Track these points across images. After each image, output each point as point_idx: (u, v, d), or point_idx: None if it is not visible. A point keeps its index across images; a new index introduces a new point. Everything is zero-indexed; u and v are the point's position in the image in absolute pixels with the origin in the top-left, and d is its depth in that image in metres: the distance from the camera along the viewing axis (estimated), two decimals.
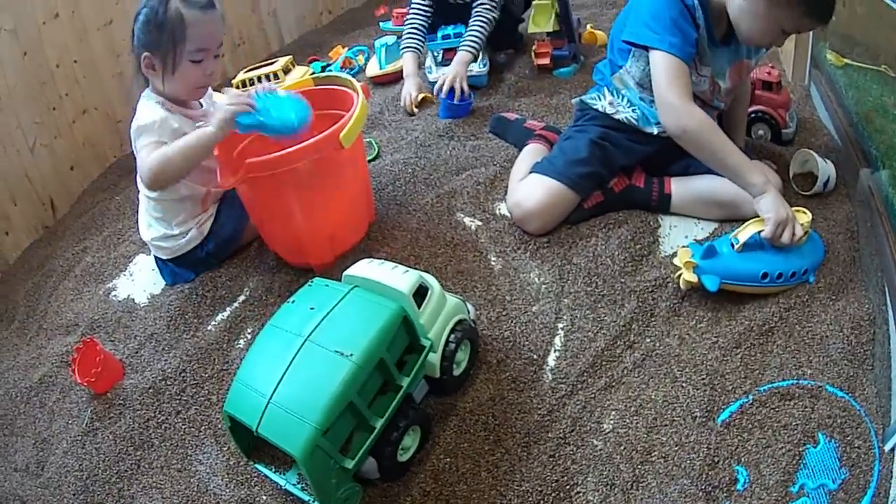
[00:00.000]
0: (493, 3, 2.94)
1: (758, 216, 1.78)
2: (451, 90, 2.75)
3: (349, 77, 2.19)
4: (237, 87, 3.20)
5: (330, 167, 1.94)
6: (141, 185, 2.06)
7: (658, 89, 1.82)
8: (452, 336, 1.58)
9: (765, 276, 1.71)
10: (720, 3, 1.83)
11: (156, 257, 2.23)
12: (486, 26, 2.91)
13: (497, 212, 2.21)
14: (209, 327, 2.01)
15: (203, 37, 1.92)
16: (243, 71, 3.33)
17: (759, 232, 1.73)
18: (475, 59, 2.92)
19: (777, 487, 1.35)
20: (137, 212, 2.26)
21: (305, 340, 1.44)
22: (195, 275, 2.18)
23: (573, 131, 2.17)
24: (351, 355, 1.38)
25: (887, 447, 1.37)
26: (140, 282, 2.29)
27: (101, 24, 3.10)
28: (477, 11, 2.93)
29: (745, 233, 1.74)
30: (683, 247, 1.76)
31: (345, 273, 1.61)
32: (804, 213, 1.77)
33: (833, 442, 1.41)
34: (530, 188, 2.05)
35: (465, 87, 2.78)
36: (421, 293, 1.54)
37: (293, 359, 1.42)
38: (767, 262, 1.72)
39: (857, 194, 1.98)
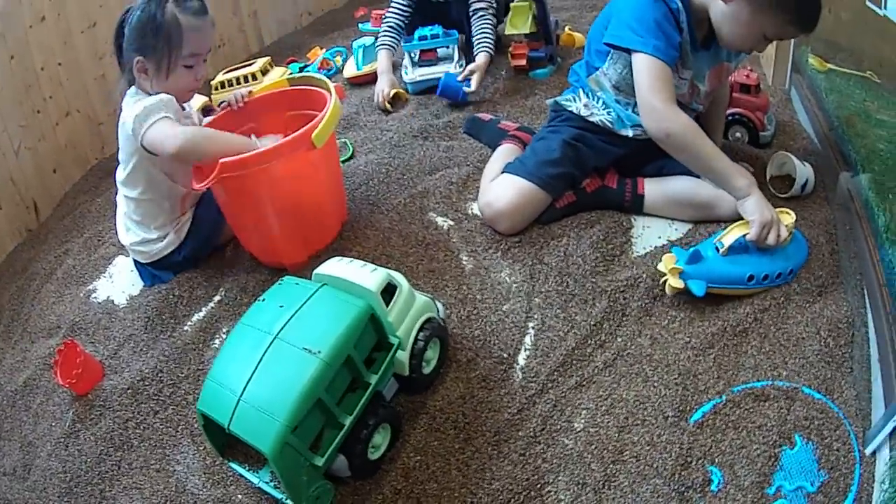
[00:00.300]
0: (493, 9, 3.00)
1: (739, 218, 1.79)
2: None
3: (323, 77, 2.20)
4: (216, 88, 3.23)
5: (302, 167, 1.95)
6: (122, 188, 2.09)
7: (641, 92, 1.81)
8: (421, 334, 1.58)
9: (751, 278, 1.71)
10: (702, 7, 1.83)
11: (135, 260, 2.24)
12: (493, 29, 3.00)
13: (469, 211, 2.21)
14: (185, 327, 2.01)
15: (197, 42, 1.94)
16: (222, 72, 3.34)
17: (744, 235, 1.72)
18: (492, 59, 2.97)
19: (752, 489, 1.34)
20: (116, 214, 2.27)
21: (275, 338, 1.43)
22: (173, 276, 2.19)
23: (546, 132, 2.16)
24: (319, 352, 1.37)
25: (868, 450, 1.37)
26: (119, 283, 2.29)
27: (86, 26, 3.11)
28: (480, 16, 3.01)
29: (729, 236, 1.74)
30: (668, 253, 1.75)
31: (315, 272, 1.60)
32: (788, 214, 1.77)
33: (811, 444, 1.40)
34: (501, 188, 2.05)
35: (477, 81, 2.85)
36: (389, 291, 1.54)
37: (262, 356, 1.42)
38: (753, 264, 1.72)
39: (837, 197, 1.98)
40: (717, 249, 1.73)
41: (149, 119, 1.85)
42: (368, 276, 1.53)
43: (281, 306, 1.50)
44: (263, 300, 1.56)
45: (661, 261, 1.75)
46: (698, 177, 1.93)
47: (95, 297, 2.26)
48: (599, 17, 2.02)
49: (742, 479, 1.36)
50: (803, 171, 1.99)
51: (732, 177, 1.78)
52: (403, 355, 1.55)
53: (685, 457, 1.42)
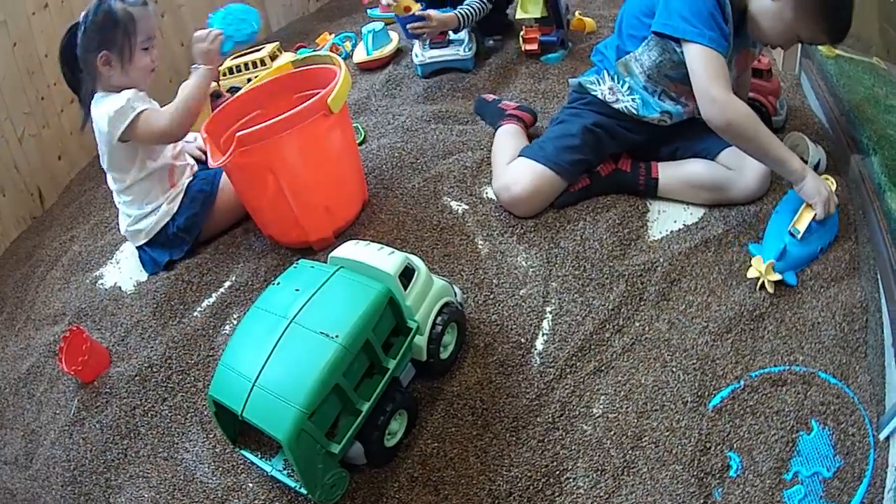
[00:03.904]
0: None
1: (751, 199, 1.92)
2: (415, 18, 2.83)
3: (327, 53, 2.23)
4: (224, 74, 3.23)
5: (318, 136, 1.96)
6: (110, 181, 2.22)
7: (699, 84, 1.78)
8: (439, 318, 1.57)
9: (822, 250, 1.80)
10: None
11: (137, 249, 2.28)
12: (477, 9, 2.93)
13: (484, 196, 2.20)
14: (195, 313, 1.99)
15: (146, 27, 2.15)
16: (230, 58, 3.29)
17: (814, 216, 1.77)
18: (456, 28, 2.93)
19: (770, 474, 1.34)
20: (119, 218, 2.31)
21: (290, 322, 1.42)
22: (169, 257, 2.21)
23: (567, 114, 2.15)
24: (336, 337, 1.36)
25: (882, 436, 1.36)
26: (126, 269, 2.28)
27: None
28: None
29: (802, 222, 1.77)
30: (754, 256, 1.76)
31: (330, 255, 1.59)
32: (831, 179, 1.85)
33: (827, 429, 1.40)
34: (519, 172, 2.04)
35: (428, 30, 2.86)
36: (407, 275, 1.53)
37: (278, 341, 1.40)
38: (821, 237, 1.80)
39: (849, 181, 1.97)
40: (794, 235, 1.76)
41: (125, 119, 2.06)
42: (386, 259, 1.51)
43: (297, 290, 1.49)
44: (278, 284, 1.55)
45: (750, 267, 1.75)
46: (712, 160, 1.96)
47: (102, 284, 2.25)
48: (634, 1, 2.00)
49: (760, 465, 1.36)
50: (815, 152, 2.01)
51: (789, 161, 1.79)
52: (421, 340, 1.54)
53: (704, 442, 1.41)
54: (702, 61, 1.77)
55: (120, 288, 2.21)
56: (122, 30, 2.08)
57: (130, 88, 2.12)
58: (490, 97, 2.60)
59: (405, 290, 1.51)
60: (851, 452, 1.36)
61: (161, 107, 2.13)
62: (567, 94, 2.32)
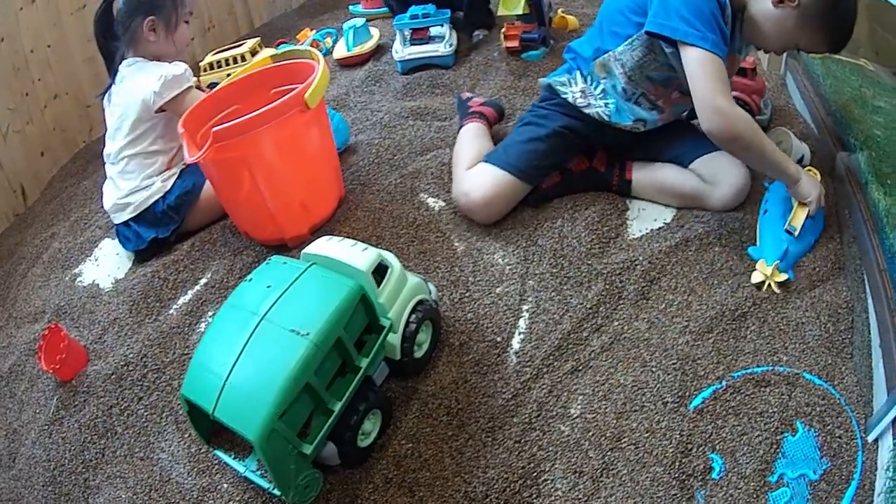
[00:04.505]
0: None
1: (724, 208, 1.91)
2: None
3: (306, 48, 2.22)
4: (204, 70, 3.23)
5: (295, 132, 1.94)
6: (123, 150, 2.20)
7: (702, 92, 1.66)
8: (413, 316, 1.54)
9: (815, 242, 1.82)
10: (740, 1, 1.77)
11: (117, 227, 2.27)
12: None
13: None
14: (171, 311, 1.97)
15: (192, 1, 2.29)
16: (211, 53, 3.31)
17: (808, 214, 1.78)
18: None
19: (755, 476, 1.32)
20: (103, 187, 2.31)
21: (261, 319, 1.39)
22: (155, 234, 2.19)
23: (535, 116, 2.07)
24: (307, 334, 1.33)
25: (870, 438, 1.34)
26: (105, 266, 2.26)
27: (75, 8, 3.05)
28: None
29: (798, 219, 1.77)
30: (757, 260, 1.75)
31: (303, 251, 1.56)
32: (815, 171, 1.88)
33: (812, 431, 1.38)
34: (479, 178, 1.99)
35: None
36: (380, 272, 1.50)
37: (249, 338, 1.37)
38: (813, 231, 1.82)
39: (835, 180, 1.96)
40: (791, 233, 1.76)
41: (180, 86, 2.14)
42: (359, 255, 1.49)
43: (268, 286, 1.46)
44: (250, 280, 1.52)
45: (754, 272, 1.73)
46: (686, 167, 1.94)
47: (81, 281, 2.23)
48: None
49: (744, 467, 1.34)
50: (799, 147, 2.00)
51: (786, 167, 1.75)
52: (395, 338, 1.51)
53: (685, 444, 1.39)
54: (703, 68, 1.66)
55: (98, 285, 2.19)
56: None
57: (166, 59, 2.21)
58: (466, 95, 2.56)
59: (378, 287, 1.48)
60: (839, 454, 1.34)
61: None
62: None
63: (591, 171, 2.04)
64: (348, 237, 1.60)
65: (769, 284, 1.69)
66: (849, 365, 1.50)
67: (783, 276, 1.70)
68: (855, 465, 1.32)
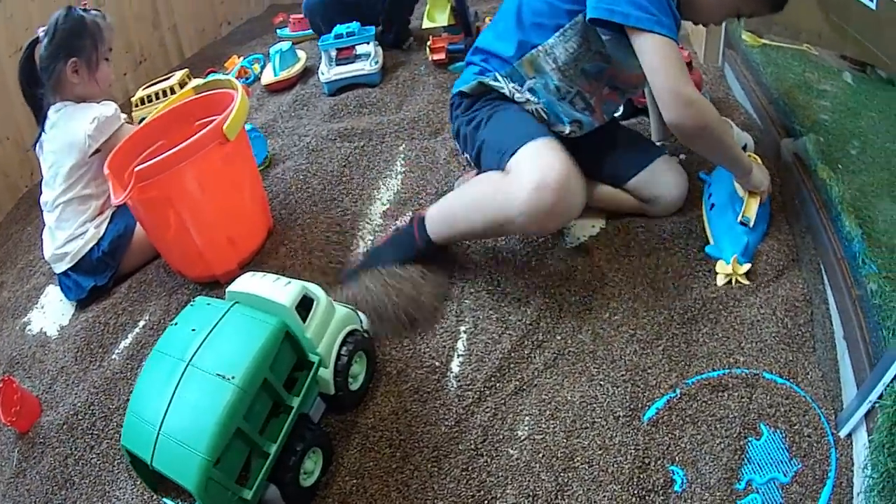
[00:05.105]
0: None
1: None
2: None
3: (227, 77, 2.24)
4: (136, 105, 3.20)
5: (216, 166, 1.91)
6: (58, 198, 2.18)
7: (666, 82, 1.53)
8: (344, 349, 1.49)
9: (768, 228, 1.80)
10: None
11: (58, 276, 2.25)
12: None
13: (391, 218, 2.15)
14: (113, 356, 1.93)
15: (109, 37, 2.27)
16: (142, 88, 3.29)
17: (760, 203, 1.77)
18: None
19: (720, 485, 1.28)
20: (42, 234, 2.29)
21: (188, 365, 1.34)
22: (94, 283, 2.16)
23: (488, 111, 1.79)
24: (232, 378, 1.28)
25: (843, 433, 1.31)
26: (51, 313, 2.23)
27: (13, 51, 3.00)
28: None
29: (752, 210, 1.74)
30: (717, 260, 1.71)
31: (228, 289, 1.51)
32: (756, 158, 1.86)
33: (779, 432, 1.35)
34: (528, 163, 1.56)
35: None
36: (305, 305, 1.45)
37: (177, 385, 1.33)
38: (764, 218, 1.80)
39: (781, 169, 1.94)
40: (746, 225, 1.73)
41: (112, 127, 2.15)
42: (282, 290, 1.43)
43: (193, 330, 1.41)
44: (176, 324, 1.47)
45: (718, 274, 1.69)
46: (624, 184, 1.88)
47: (30, 330, 2.20)
48: None
49: (707, 477, 1.30)
50: (741, 136, 2.00)
51: (742, 159, 1.70)
52: (327, 373, 1.46)
53: (642, 458, 1.35)
54: (664, 55, 1.53)
55: (45, 333, 2.15)
56: (90, 38, 2.18)
57: (92, 99, 2.22)
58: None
59: (304, 321, 1.44)
60: (810, 454, 1.30)
61: None
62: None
63: None
64: (277, 268, 1.55)
65: (735, 280, 1.67)
66: (811, 360, 1.47)
67: (747, 267, 1.67)
68: (829, 464, 1.28)
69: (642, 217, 1.88)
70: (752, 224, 1.72)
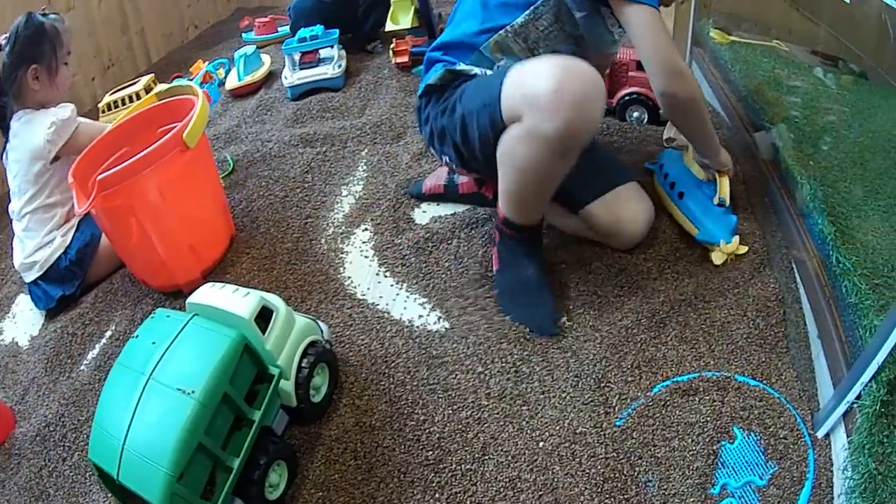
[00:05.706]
0: None
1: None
2: None
3: (188, 83, 2.21)
4: (103, 111, 3.18)
5: (177, 173, 1.90)
6: (25, 206, 2.19)
7: (660, 55, 1.50)
8: (305, 360, 1.47)
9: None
10: None
11: (28, 286, 2.24)
12: None
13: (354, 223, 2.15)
14: (82, 367, 1.92)
15: (68, 42, 2.26)
16: (109, 94, 3.26)
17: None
18: None
19: (693, 492, 1.27)
20: (13, 243, 2.29)
21: (149, 379, 1.33)
22: (62, 292, 2.16)
23: (460, 90, 1.66)
24: (192, 392, 1.27)
25: (820, 433, 1.31)
26: (22, 323, 2.22)
27: None
28: None
29: (725, 189, 1.74)
30: (715, 243, 1.69)
31: (188, 300, 1.49)
32: None
33: (753, 435, 1.33)
34: (534, 73, 1.41)
35: None
36: (264, 316, 1.43)
37: (139, 400, 1.32)
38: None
39: (751, 169, 1.93)
40: (722, 205, 1.73)
41: (70, 130, 2.14)
42: (240, 301, 1.41)
43: (153, 343, 1.40)
44: (137, 337, 1.45)
45: (715, 252, 1.69)
46: (579, 210, 1.74)
47: (2, 340, 2.19)
48: None
49: (679, 484, 1.29)
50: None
51: (716, 137, 1.70)
52: (288, 385, 1.44)
53: (612, 468, 1.33)
54: (653, 27, 1.49)
55: (17, 343, 2.14)
56: (50, 43, 2.18)
57: (52, 104, 2.20)
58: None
59: (263, 333, 1.41)
60: (786, 456, 1.29)
61: None
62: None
63: (479, 196, 1.94)
64: (238, 277, 1.53)
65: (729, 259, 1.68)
66: (785, 360, 1.46)
67: (744, 249, 1.68)
68: (807, 465, 1.27)
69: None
70: (728, 204, 1.71)
